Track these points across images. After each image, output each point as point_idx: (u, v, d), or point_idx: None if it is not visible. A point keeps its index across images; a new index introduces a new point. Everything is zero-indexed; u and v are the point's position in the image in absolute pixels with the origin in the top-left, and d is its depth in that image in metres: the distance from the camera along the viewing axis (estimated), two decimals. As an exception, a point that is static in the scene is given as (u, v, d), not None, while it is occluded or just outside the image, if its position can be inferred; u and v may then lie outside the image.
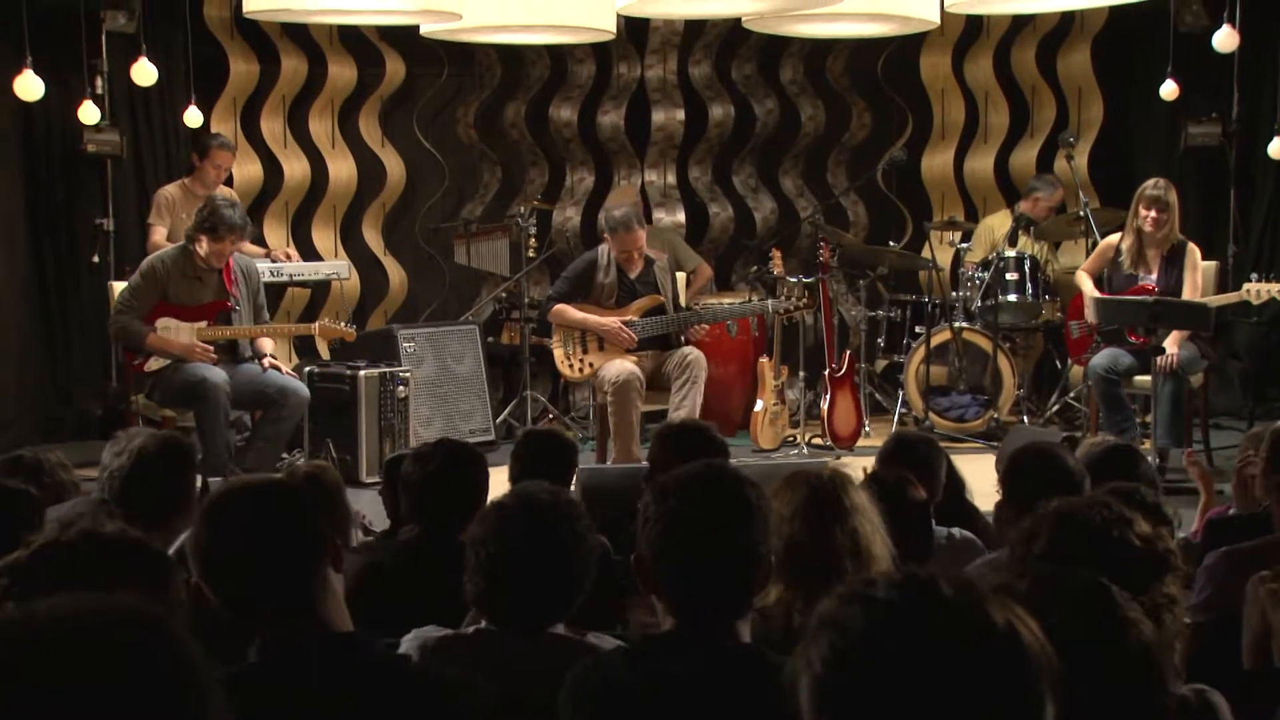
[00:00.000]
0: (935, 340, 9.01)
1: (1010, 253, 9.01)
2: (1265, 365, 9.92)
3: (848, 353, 8.88)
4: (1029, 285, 8.95)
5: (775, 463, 7.69)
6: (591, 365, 7.72)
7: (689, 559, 2.41)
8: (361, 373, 7.70)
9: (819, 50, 10.52)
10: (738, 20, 8.90)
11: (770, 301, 8.16)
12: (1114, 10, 9.59)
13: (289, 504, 2.36)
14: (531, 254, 9.36)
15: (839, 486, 2.93)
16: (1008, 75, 10.50)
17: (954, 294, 9.19)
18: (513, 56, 10.44)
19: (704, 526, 2.41)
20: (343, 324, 7.66)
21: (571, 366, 7.82)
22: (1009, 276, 8.94)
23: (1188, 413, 7.88)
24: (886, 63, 10.54)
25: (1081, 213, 8.89)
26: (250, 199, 10.02)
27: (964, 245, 9.26)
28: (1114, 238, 8.08)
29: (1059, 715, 1.37)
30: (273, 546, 2.31)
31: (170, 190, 8.72)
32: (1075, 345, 8.28)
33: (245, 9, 7.71)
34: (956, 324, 8.99)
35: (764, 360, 8.68)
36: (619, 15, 8.67)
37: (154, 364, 7.26)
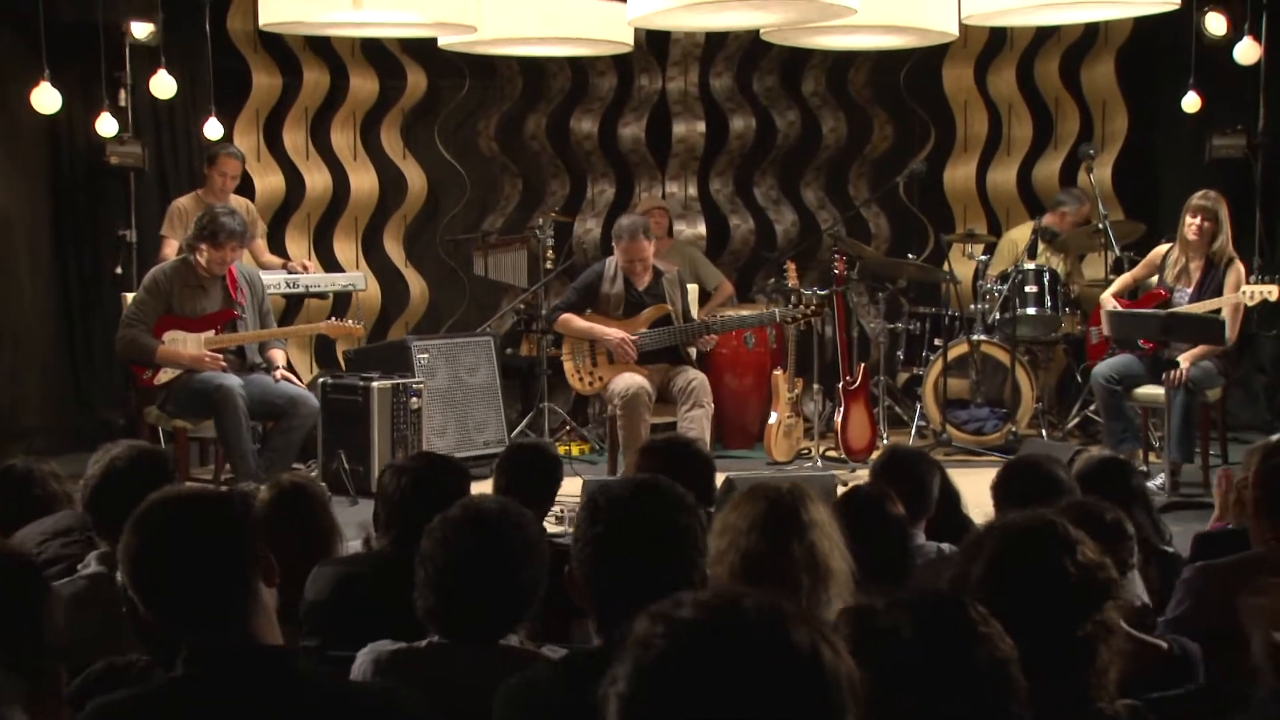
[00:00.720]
0: (954, 353, 8.97)
1: (1029, 265, 8.97)
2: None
3: (862, 365, 8.85)
4: (1048, 298, 8.89)
5: (788, 475, 7.63)
6: (601, 379, 7.71)
7: (617, 576, 2.41)
8: (374, 384, 7.72)
9: (841, 62, 10.51)
10: (758, 32, 8.92)
11: (777, 310, 8.13)
12: (1138, 22, 9.55)
13: (216, 516, 2.35)
14: (549, 265, 9.37)
15: (798, 501, 2.91)
16: (1031, 87, 10.46)
17: (973, 306, 9.14)
18: (534, 68, 10.47)
19: (633, 544, 2.41)
20: (350, 321, 7.67)
21: (581, 380, 7.83)
22: (1028, 289, 8.89)
23: (1203, 427, 7.81)
24: (909, 74, 10.52)
25: (1100, 225, 8.83)
26: (272, 210, 10.09)
27: (984, 258, 9.21)
28: (1164, 247, 8.00)
29: None
30: (198, 558, 2.31)
31: (183, 202, 8.77)
32: (1094, 350, 8.23)
33: (261, 22, 7.77)
34: (974, 337, 8.94)
35: (778, 373, 8.66)
36: (636, 29, 8.72)
37: (163, 376, 7.29)
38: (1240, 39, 8.87)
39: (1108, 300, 8.00)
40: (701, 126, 10.46)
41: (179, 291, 7.32)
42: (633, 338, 7.71)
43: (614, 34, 8.22)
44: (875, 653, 1.92)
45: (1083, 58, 10.33)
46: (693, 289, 8.41)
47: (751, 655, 1.35)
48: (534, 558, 2.78)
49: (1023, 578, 2.32)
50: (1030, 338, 9.10)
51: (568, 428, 9.25)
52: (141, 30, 8.85)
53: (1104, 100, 10.33)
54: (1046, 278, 8.91)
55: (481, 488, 7.97)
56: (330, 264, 10.20)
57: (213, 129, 9.12)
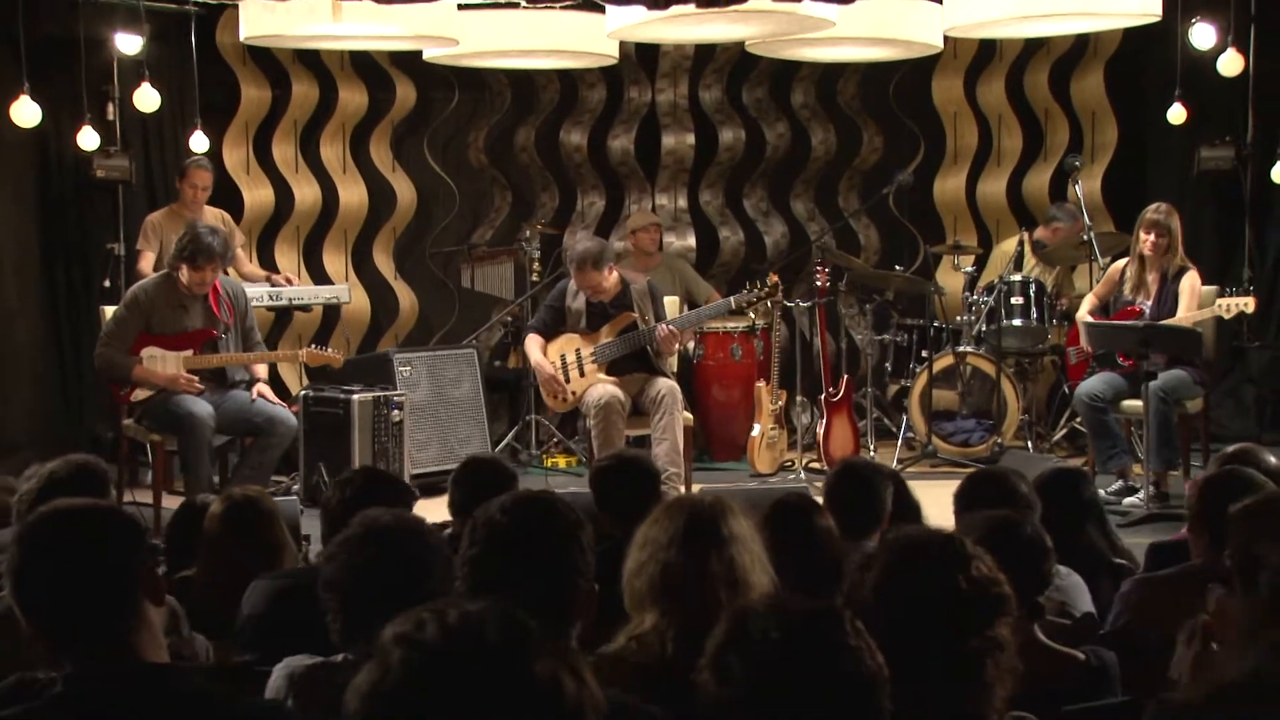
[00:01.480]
0: (940, 365, 8.95)
1: (1016, 277, 8.96)
2: (1280, 390, 9.86)
3: (845, 377, 8.84)
4: (1034, 309, 8.88)
5: (769, 488, 7.62)
6: (574, 394, 7.71)
7: (497, 591, 2.41)
8: (355, 397, 7.72)
9: (830, 74, 10.52)
10: (744, 44, 8.94)
11: (733, 298, 8.08)
12: (1127, 33, 9.54)
13: (101, 533, 2.33)
14: (535, 278, 9.38)
15: (718, 514, 2.90)
16: (1021, 98, 10.45)
17: (959, 318, 9.13)
18: (523, 81, 10.49)
19: (513, 558, 2.41)
20: (330, 350, 7.67)
21: (555, 396, 7.82)
22: (1014, 300, 8.88)
23: (1184, 436, 7.79)
24: (898, 86, 10.52)
25: (1085, 237, 8.81)
26: (261, 224, 10.11)
27: (970, 270, 9.19)
28: (1120, 263, 8.03)
29: None
30: (78, 574, 2.28)
31: (156, 216, 8.81)
32: (1074, 370, 8.22)
33: (243, 35, 7.82)
34: (960, 348, 8.92)
35: (760, 384, 8.66)
36: (626, 41, 8.75)
37: (139, 394, 7.31)
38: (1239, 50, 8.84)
39: (1083, 305, 8.01)
40: (691, 138, 10.47)
41: (160, 309, 7.31)
42: (589, 351, 7.70)
43: (599, 46, 8.26)
44: (743, 653, 1.92)
45: (1072, 69, 10.32)
46: (671, 301, 8.38)
47: (489, 685, 1.35)
48: (436, 567, 2.77)
49: (911, 590, 2.32)
50: (1017, 349, 9.08)
51: (555, 440, 9.24)
52: (128, 44, 8.85)
53: (1093, 111, 10.31)
54: (1033, 289, 8.90)
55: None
56: (320, 277, 10.22)
57: (198, 142, 9.13)
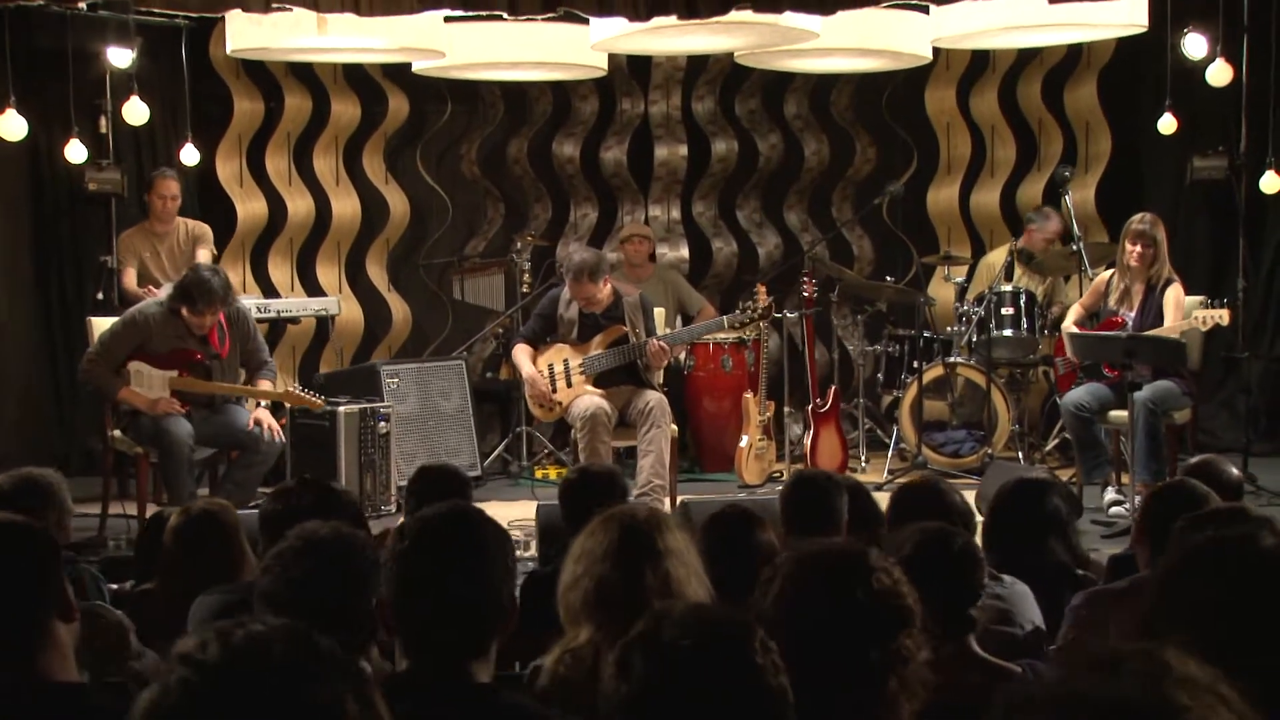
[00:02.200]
0: (931, 375, 8.94)
1: (1006, 287, 8.94)
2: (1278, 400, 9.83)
3: (833, 388, 8.84)
4: (1025, 320, 8.86)
5: (756, 500, 7.61)
6: (560, 404, 7.71)
7: (420, 601, 2.42)
8: (341, 409, 7.72)
9: (823, 85, 10.53)
10: (732, 55, 8.96)
11: (725, 318, 8.10)
12: (1121, 43, 9.53)
13: (6, 549, 2.33)
14: (526, 289, 9.38)
15: (653, 528, 2.90)
16: (1014, 109, 10.44)
17: (950, 329, 9.12)
18: (516, 93, 10.51)
19: (435, 569, 2.42)
20: (310, 393, 7.62)
21: (542, 406, 7.83)
22: (1005, 311, 8.86)
23: (1172, 447, 7.77)
24: (891, 97, 10.52)
25: (1075, 247, 8.80)
26: (255, 236, 10.14)
27: (958, 280, 9.18)
28: (1106, 273, 8.02)
29: None
30: None
31: (128, 234, 8.86)
32: (1062, 381, 8.20)
33: (230, 49, 7.86)
34: (950, 359, 8.91)
35: (748, 395, 8.65)
36: (612, 54, 8.77)
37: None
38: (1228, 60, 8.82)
39: (1069, 315, 8.01)
40: (684, 150, 10.48)
41: (156, 337, 7.28)
42: (577, 363, 7.70)
43: (588, 59, 8.28)
44: (648, 654, 1.93)
45: (1065, 79, 10.31)
46: (659, 312, 8.38)
47: (266, 707, 1.34)
48: (373, 580, 2.77)
49: (811, 601, 2.32)
50: (1008, 360, 9.07)
51: (546, 451, 9.24)
52: (119, 57, 8.88)
53: (1087, 122, 10.30)
54: (1023, 299, 8.88)
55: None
56: (313, 289, 10.24)
57: (189, 155, 9.17)
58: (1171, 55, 9.08)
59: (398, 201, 10.58)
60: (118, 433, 7.48)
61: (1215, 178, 9.78)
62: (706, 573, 3.01)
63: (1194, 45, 8.91)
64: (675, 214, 10.59)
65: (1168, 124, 9.06)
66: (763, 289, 8.20)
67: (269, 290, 10.04)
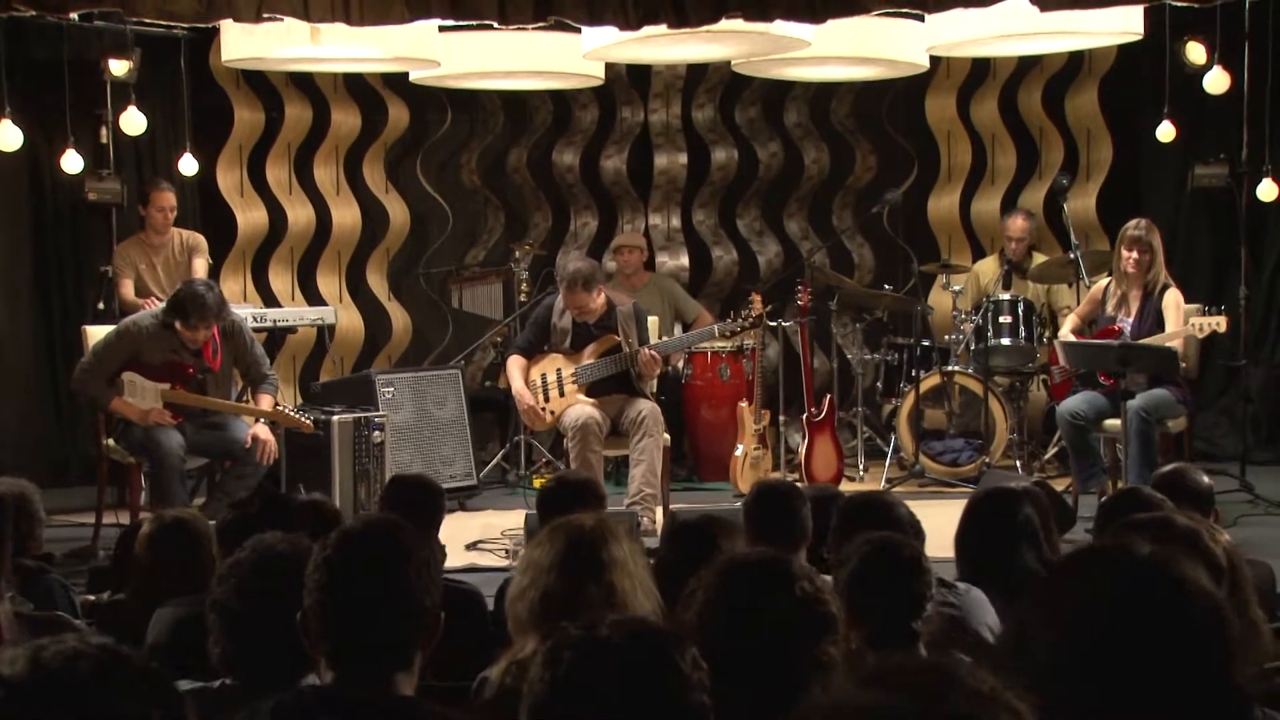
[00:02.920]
0: (928, 384, 8.92)
1: (1004, 296, 8.92)
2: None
3: (828, 397, 8.83)
4: (1023, 328, 8.84)
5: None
6: (552, 413, 7.70)
7: (340, 613, 2.42)
8: (335, 418, 7.72)
9: (824, 93, 10.53)
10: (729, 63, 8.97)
11: (716, 325, 8.11)
12: (1122, 51, 9.52)
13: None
14: (524, 298, 9.39)
15: (599, 539, 2.89)
16: (1015, 117, 10.42)
17: (947, 338, 9.11)
18: (516, 102, 10.53)
19: (355, 581, 2.42)
20: (298, 413, 7.62)
21: (540, 420, 7.82)
22: (1002, 319, 8.85)
23: (1167, 455, 7.72)
24: (891, 105, 10.52)
25: (1073, 255, 8.78)
26: (256, 246, 10.17)
27: (955, 289, 9.17)
28: (1103, 281, 8.00)
29: None
30: None
31: (124, 245, 8.88)
32: (1057, 389, 8.19)
33: (225, 58, 7.89)
34: (948, 368, 8.89)
35: (743, 405, 8.64)
36: (609, 63, 8.78)
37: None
38: (1225, 68, 8.79)
39: (1065, 324, 8.00)
40: (683, 158, 10.49)
41: (149, 349, 7.29)
42: (570, 371, 7.70)
43: (585, 67, 8.29)
44: (578, 653, 1.92)
45: (1066, 87, 10.29)
46: (653, 321, 8.37)
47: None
48: None
49: (733, 608, 2.32)
50: (1006, 368, 9.04)
51: (545, 460, 9.24)
52: (119, 67, 8.93)
53: (1088, 129, 10.28)
54: (1021, 308, 8.86)
55: (448, 520, 8.02)
56: (314, 298, 10.27)
57: (187, 165, 9.20)
58: (1171, 63, 9.06)
59: (398, 211, 10.60)
60: (111, 442, 7.49)
61: (1216, 185, 9.77)
62: (674, 582, 3.01)
63: (1196, 53, 8.90)
64: (675, 223, 10.60)
65: (1166, 132, 9.04)
66: (757, 297, 8.19)
67: (270, 300, 10.06)
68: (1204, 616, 1.60)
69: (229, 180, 10.05)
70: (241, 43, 7.71)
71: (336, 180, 10.46)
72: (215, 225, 9.91)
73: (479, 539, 7.36)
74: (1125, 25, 7.69)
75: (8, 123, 7.76)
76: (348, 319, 10.38)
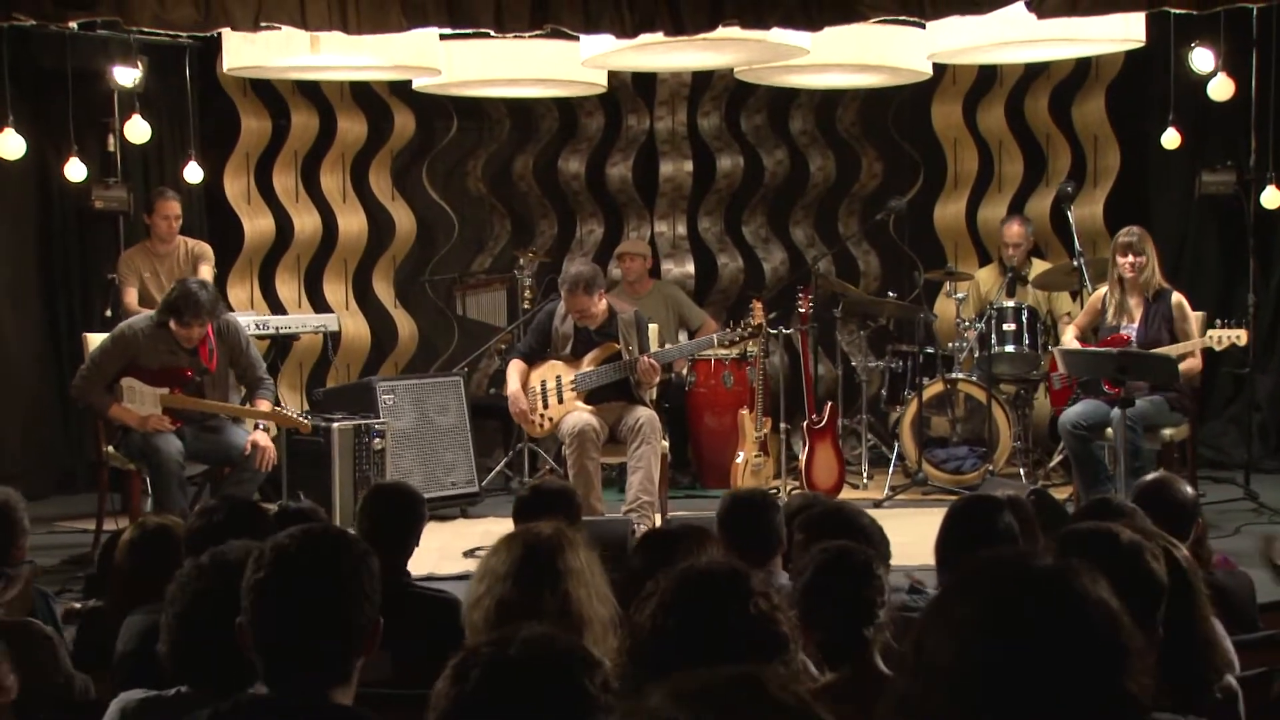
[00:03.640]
0: (932, 392, 8.90)
1: (1008, 303, 8.90)
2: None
3: (829, 404, 8.82)
4: (1027, 336, 8.81)
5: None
6: (551, 420, 7.71)
7: (272, 628, 2.42)
8: (335, 425, 7.74)
9: (829, 100, 10.52)
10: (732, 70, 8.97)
11: (715, 335, 8.11)
12: (1129, 57, 9.48)
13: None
14: (527, 305, 9.40)
15: (556, 548, 2.89)
16: (1021, 124, 10.40)
17: (950, 345, 9.10)
18: (522, 110, 10.55)
19: (287, 598, 2.42)
20: (298, 414, 7.64)
21: (534, 424, 7.83)
22: (1006, 327, 8.82)
23: (1166, 464, 7.71)
24: (897, 112, 10.50)
25: (1076, 263, 8.75)
26: (263, 254, 10.21)
27: (958, 297, 9.15)
28: (1100, 290, 7.98)
29: None
30: None
31: (129, 252, 8.90)
32: (1057, 396, 8.17)
33: (227, 67, 7.92)
34: (950, 375, 8.87)
35: (744, 412, 8.63)
36: (611, 71, 8.78)
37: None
38: (1230, 74, 8.76)
39: (1066, 333, 7.98)
40: (689, 166, 10.49)
41: (147, 352, 7.31)
42: (569, 378, 7.70)
43: (588, 75, 8.30)
44: (485, 671, 1.92)
45: (1073, 94, 10.26)
46: (653, 329, 8.37)
47: None
48: None
49: (684, 622, 2.30)
50: (1010, 376, 9.02)
51: (549, 468, 9.24)
52: (125, 76, 8.97)
53: (1095, 136, 10.25)
54: (1025, 315, 8.83)
55: (449, 527, 8.04)
56: (320, 305, 10.30)
57: (192, 173, 9.24)
58: (1176, 69, 9.04)
59: (404, 218, 10.63)
60: (111, 449, 7.52)
61: (1224, 192, 9.71)
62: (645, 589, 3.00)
63: (1201, 59, 8.87)
64: (681, 230, 10.60)
65: (1171, 139, 9.02)
66: (758, 305, 8.19)
67: (276, 307, 10.10)
68: (1097, 629, 1.59)
69: (236, 188, 10.09)
70: (243, 51, 7.74)
71: (343, 188, 10.49)
72: (222, 233, 9.96)
73: (477, 546, 7.36)
74: (1127, 32, 7.65)
75: (10, 131, 7.79)
76: (354, 326, 10.41)
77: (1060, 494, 7.74)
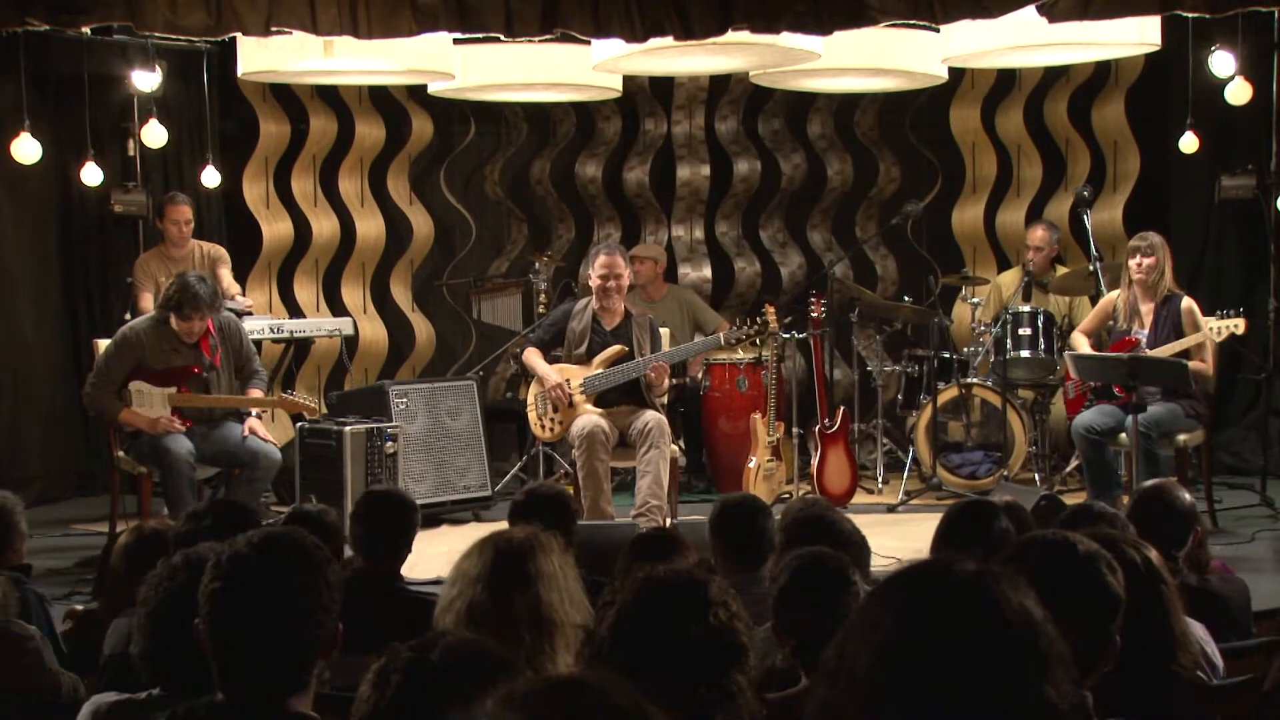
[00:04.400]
0: (950, 396, 8.87)
1: (1024, 308, 8.85)
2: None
3: (841, 409, 8.79)
4: (1043, 341, 8.77)
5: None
6: (561, 424, 7.71)
7: (231, 633, 2.42)
8: (347, 428, 7.75)
9: (847, 104, 10.50)
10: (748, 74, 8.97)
11: (721, 334, 8.11)
12: (1149, 61, 9.44)
13: None
14: (542, 309, 9.41)
15: (527, 552, 2.89)
16: (1041, 128, 10.36)
17: (966, 349, 9.06)
18: (540, 114, 10.57)
19: (241, 607, 2.42)
20: (302, 397, 7.67)
21: (544, 428, 7.83)
22: (1022, 332, 8.78)
23: (1181, 470, 7.67)
24: (916, 116, 10.48)
25: (1092, 268, 8.71)
26: (281, 257, 10.25)
27: (974, 301, 9.11)
28: (1112, 295, 7.95)
29: None
30: None
31: (145, 257, 8.96)
32: (1072, 405, 8.12)
33: (241, 72, 7.95)
34: (966, 380, 8.83)
35: (756, 416, 8.61)
36: (639, 75, 8.79)
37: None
38: (1248, 78, 8.71)
39: (1077, 339, 7.95)
40: (706, 170, 10.48)
41: (151, 351, 7.36)
42: (578, 382, 7.70)
43: (601, 79, 8.30)
44: (406, 677, 1.92)
45: (1093, 98, 10.21)
46: (665, 333, 8.37)
47: None
48: None
49: (644, 630, 2.30)
50: (1026, 380, 8.98)
51: (564, 471, 9.24)
52: (144, 81, 9.02)
53: (1115, 140, 10.20)
54: (1041, 320, 8.79)
55: (461, 531, 8.04)
56: (339, 309, 10.33)
57: (209, 177, 9.28)
58: (1196, 73, 8.99)
59: (422, 222, 10.66)
60: (121, 453, 7.55)
61: (1244, 196, 9.65)
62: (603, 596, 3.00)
63: (1220, 63, 8.81)
64: (698, 234, 10.59)
65: (1189, 143, 8.98)
66: (771, 309, 8.18)
67: (295, 311, 10.13)
68: (1015, 636, 1.58)
69: (255, 192, 10.13)
70: (258, 56, 7.77)
71: (361, 192, 10.52)
72: (241, 237, 10.01)
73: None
74: (1142, 36, 7.61)
75: (26, 136, 7.86)
76: (372, 330, 10.44)
77: (1075, 499, 7.70)
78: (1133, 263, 7.62)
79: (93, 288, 9.78)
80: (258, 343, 9.06)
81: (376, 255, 10.60)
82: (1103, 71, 10.07)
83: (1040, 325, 8.77)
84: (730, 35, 6.80)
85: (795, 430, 8.78)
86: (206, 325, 7.36)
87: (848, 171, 10.58)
